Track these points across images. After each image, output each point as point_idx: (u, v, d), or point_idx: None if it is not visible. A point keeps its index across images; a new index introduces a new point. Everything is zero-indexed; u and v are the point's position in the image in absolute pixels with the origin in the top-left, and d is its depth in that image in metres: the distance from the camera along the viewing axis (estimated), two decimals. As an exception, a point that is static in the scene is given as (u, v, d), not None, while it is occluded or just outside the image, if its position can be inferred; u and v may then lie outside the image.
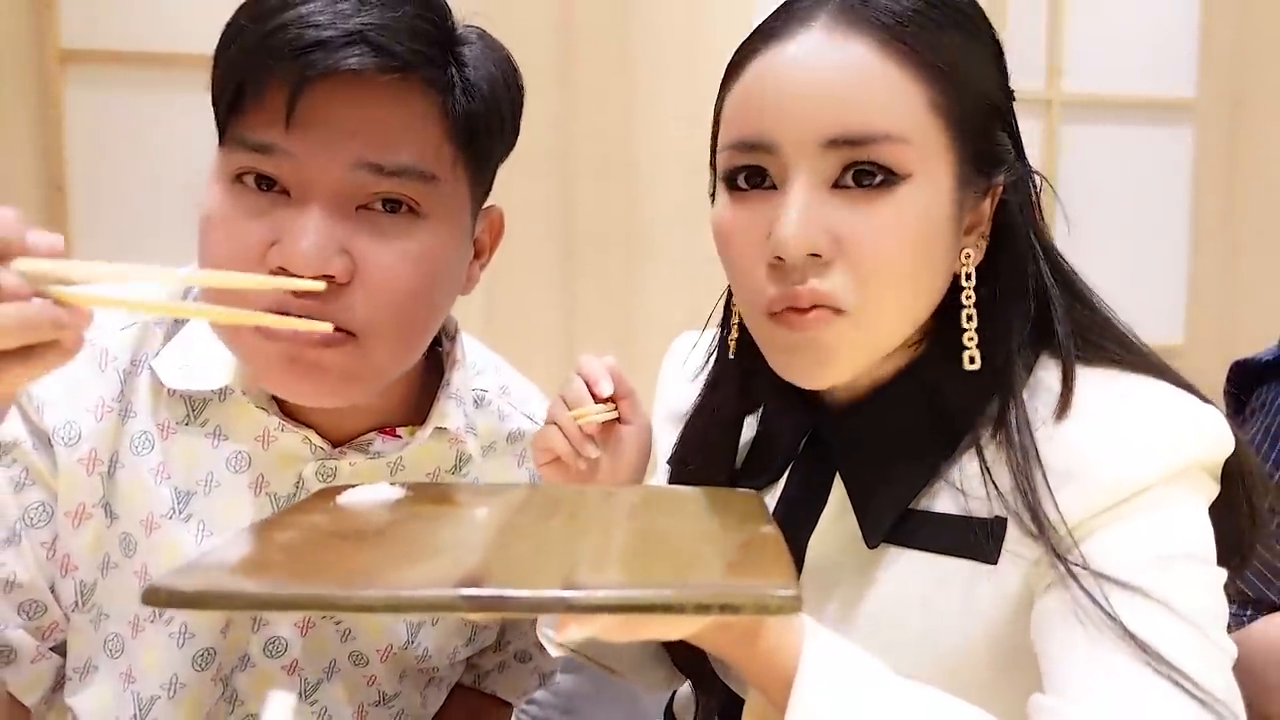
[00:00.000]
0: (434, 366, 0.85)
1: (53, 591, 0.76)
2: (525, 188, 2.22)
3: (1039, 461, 0.62)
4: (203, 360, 0.76)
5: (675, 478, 0.81)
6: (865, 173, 0.61)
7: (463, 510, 0.62)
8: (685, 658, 0.80)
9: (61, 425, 0.74)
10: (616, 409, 0.77)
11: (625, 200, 2.27)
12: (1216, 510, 0.63)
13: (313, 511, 0.60)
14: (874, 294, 0.62)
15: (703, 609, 0.45)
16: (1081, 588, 0.58)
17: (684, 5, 2.25)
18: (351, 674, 0.84)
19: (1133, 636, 0.56)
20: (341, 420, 0.78)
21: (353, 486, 0.66)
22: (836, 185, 0.62)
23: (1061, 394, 0.64)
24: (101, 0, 2.04)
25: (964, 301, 0.66)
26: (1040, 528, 0.61)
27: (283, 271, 0.65)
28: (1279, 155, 2.56)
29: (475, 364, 0.88)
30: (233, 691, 0.80)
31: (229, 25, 0.68)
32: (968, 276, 0.66)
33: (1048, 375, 0.66)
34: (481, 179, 0.75)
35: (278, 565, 0.50)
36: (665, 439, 0.87)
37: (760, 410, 0.79)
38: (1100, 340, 0.68)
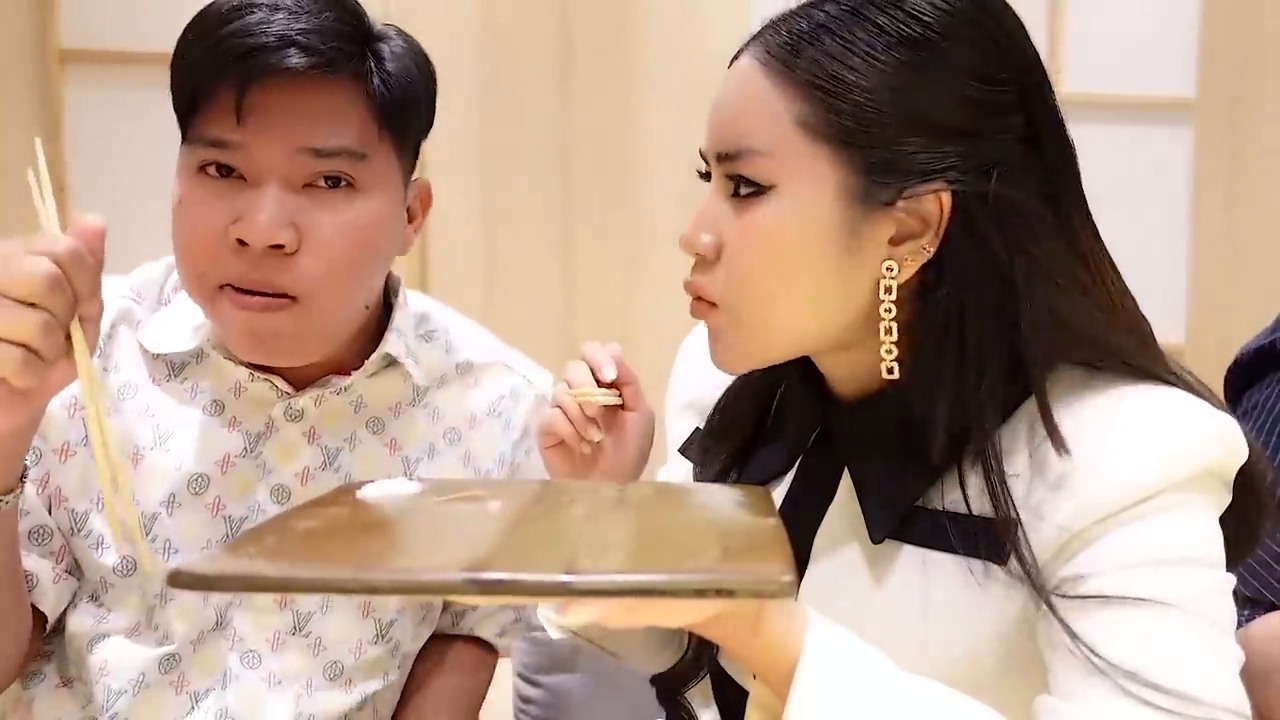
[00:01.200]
0: (386, 322, 0.96)
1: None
2: (525, 185, 2.23)
3: (1010, 497, 0.62)
4: (179, 329, 0.89)
5: (701, 436, 0.82)
6: (739, 183, 0.67)
7: (476, 503, 0.64)
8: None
9: None
10: (620, 395, 0.78)
11: (625, 198, 2.27)
12: (1223, 516, 0.63)
13: (333, 504, 0.63)
14: (742, 295, 0.68)
15: (699, 593, 0.46)
16: (1062, 623, 0.59)
17: (682, 5, 2.26)
18: (345, 604, 0.90)
19: (1115, 667, 0.57)
20: (304, 368, 0.88)
21: (371, 482, 0.68)
22: (734, 194, 0.67)
23: (1047, 432, 0.62)
24: (101, 0, 2.05)
25: (882, 314, 0.65)
26: (1020, 562, 0.61)
27: (241, 244, 0.77)
28: (1279, 155, 2.56)
29: (426, 313, 1.00)
30: (229, 621, 0.87)
31: (180, 40, 0.79)
32: (887, 289, 0.65)
33: (1065, 390, 0.65)
34: (406, 154, 0.87)
35: (294, 551, 0.52)
36: (678, 427, 0.87)
37: (774, 402, 0.80)
38: (1115, 345, 0.66)
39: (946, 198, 0.63)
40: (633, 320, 2.29)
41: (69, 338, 0.65)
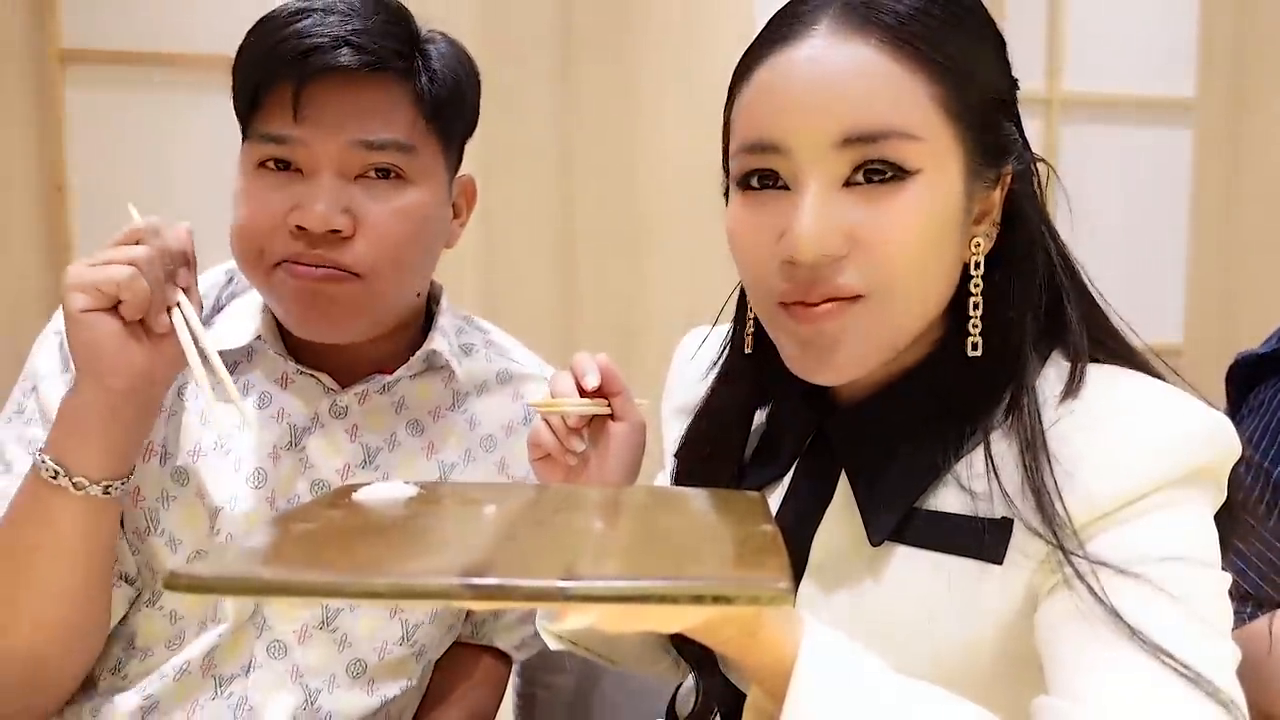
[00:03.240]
0: (427, 326, 0.99)
1: (122, 523, 0.88)
2: (526, 187, 2.23)
3: (1048, 455, 0.62)
4: (233, 330, 0.93)
5: (683, 466, 0.81)
6: (876, 170, 0.62)
7: (472, 507, 0.64)
8: (690, 649, 0.80)
9: None
10: (609, 405, 0.78)
11: (626, 199, 2.27)
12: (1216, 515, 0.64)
13: (328, 507, 0.63)
14: (886, 282, 0.63)
15: (696, 599, 0.46)
16: (1086, 585, 0.58)
17: (684, 4, 2.25)
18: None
19: (1139, 633, 0.56)
20: (350, 365, 0.93)
21: (367, 484, 0.68)
22: (848, 184, 0.63)
23: (1069, 376, 0.64)
24: (101, 0, 2.04)
25: (972, 290, 0.67)
26: (1048, 523, 0.61)
27: (300, 230, 0.82)
28: (1279, 155, 2.56)
29: (461, 324, 1.04)
30: (259, 609, 0.89)
31: (242, 44, 0.85)
32: (976, 265, 0.67)
33: (1060, 370, 0.67)
34: (451, 150, 0.92)
35: (292, 555, 0.53)
36: (673, 432, 0.87)
37: (769, 405, 0.80)
38: (1103, 337, 0.68)
39: (1008, 175, 0.67)
40: (632, 321, 2.29)
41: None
